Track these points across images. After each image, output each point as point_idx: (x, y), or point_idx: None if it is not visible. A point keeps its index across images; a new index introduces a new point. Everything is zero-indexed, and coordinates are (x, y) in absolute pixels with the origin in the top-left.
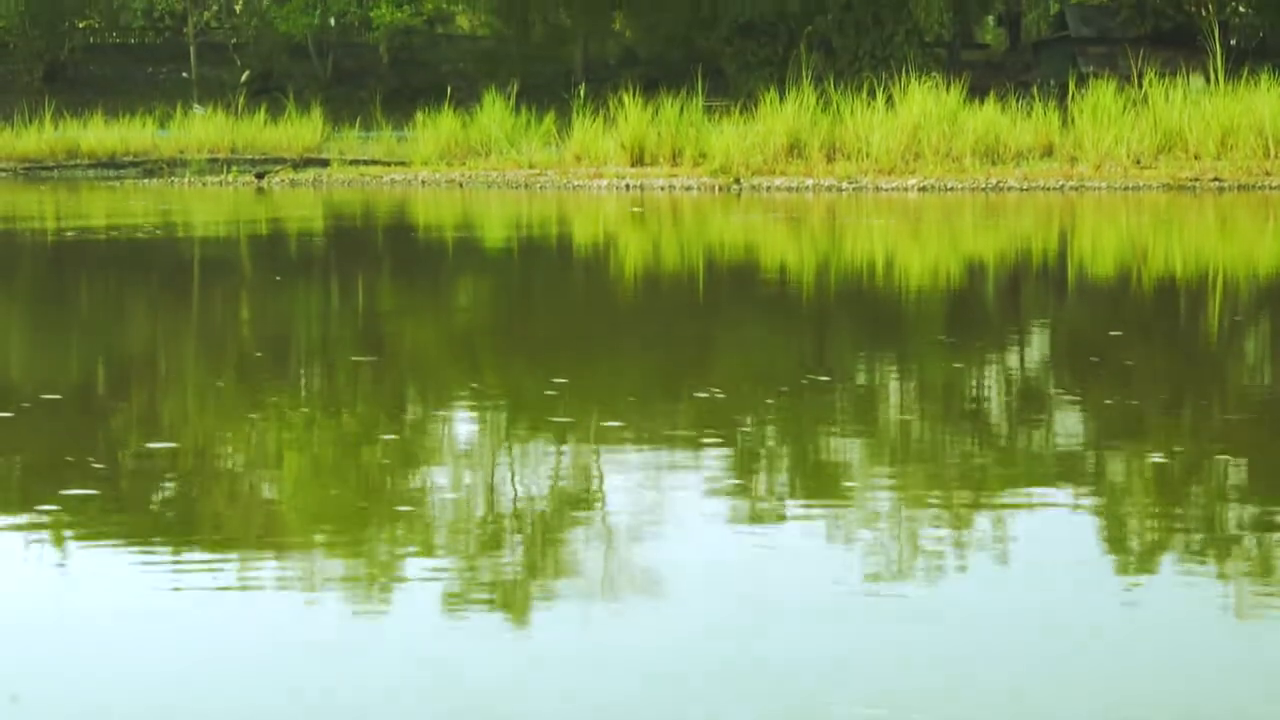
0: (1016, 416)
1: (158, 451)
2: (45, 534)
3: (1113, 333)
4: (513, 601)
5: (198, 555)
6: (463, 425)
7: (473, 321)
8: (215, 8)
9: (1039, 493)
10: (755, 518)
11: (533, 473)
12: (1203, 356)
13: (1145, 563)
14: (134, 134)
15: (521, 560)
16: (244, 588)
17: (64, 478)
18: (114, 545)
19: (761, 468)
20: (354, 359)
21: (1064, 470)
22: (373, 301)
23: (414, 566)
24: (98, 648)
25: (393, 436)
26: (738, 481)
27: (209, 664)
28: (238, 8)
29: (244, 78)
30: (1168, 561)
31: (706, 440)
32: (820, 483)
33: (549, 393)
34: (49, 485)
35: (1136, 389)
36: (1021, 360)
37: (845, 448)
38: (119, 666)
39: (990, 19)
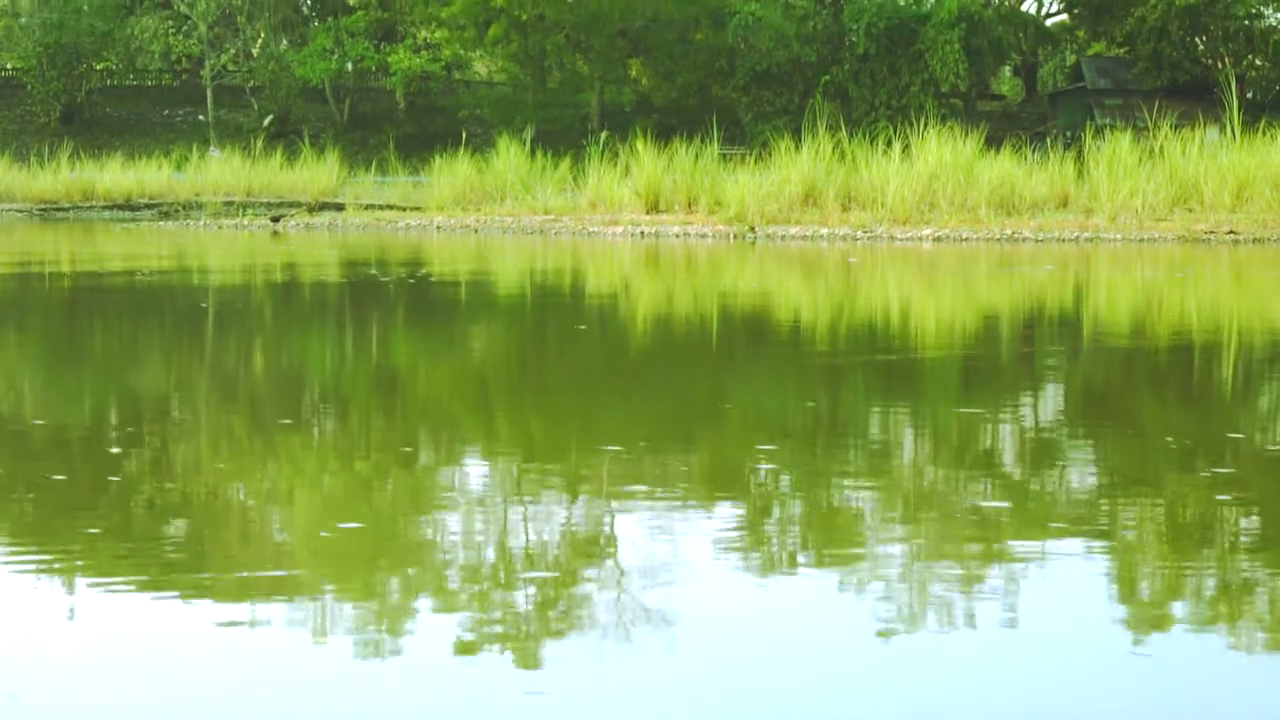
0: (1052, 475)
1: (186, 493)
2: (72, 571)
3: (1156, 396)
4: (523, 652)
5: (206, 597)
6: (489, 474)
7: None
8: (232, 51)
9: (1067, 549)
10: (770, 570)
11: (545, 521)
12: (1231, 414)
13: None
14: (150, 176)
15: (531, 611)
16: (249, 631)
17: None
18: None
19: (777, 520)
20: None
21: (1092, 527)
22: (407, 347)
23: (421, 615)
24: (101, 685)
25: (414, 481)
26: (758, 534)
27: (208, 706)
28: (255, 51)
29: (267, 122)
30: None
31: (738, 494)
32: (840, 536)
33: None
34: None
35: (1160, 445)
36: (1038, 419)
37: (879, 501)
38: (120, 706)
39: (1006, 70)
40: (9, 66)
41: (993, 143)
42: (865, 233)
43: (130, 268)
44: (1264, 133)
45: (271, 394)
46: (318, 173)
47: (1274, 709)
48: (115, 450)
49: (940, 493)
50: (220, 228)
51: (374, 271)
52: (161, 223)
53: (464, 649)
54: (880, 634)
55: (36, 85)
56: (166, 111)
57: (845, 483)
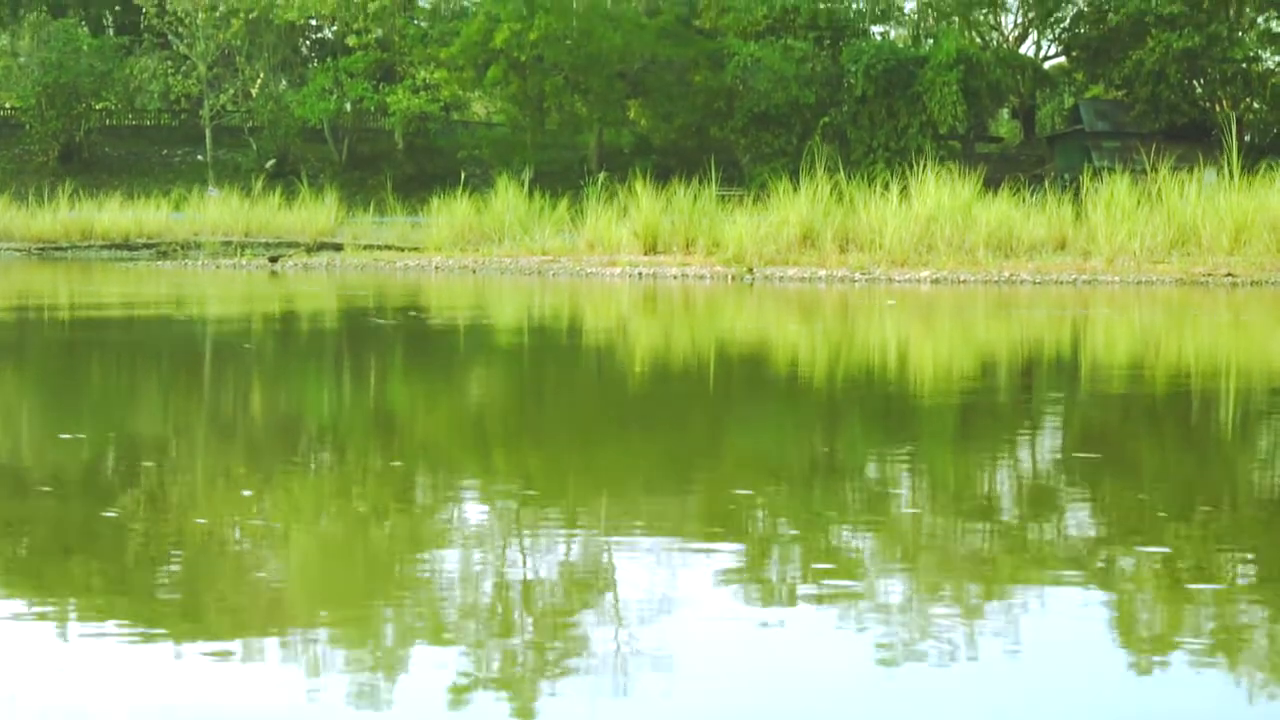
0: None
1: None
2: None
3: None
4: (519, 698)
5: (201, 639)
6: (492, 515)
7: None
8: (231, 91)
9: (1066, 593)
10: (768, 608)
11: (543, 561)
12: (1228, 458)
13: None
14: (148, 216)
15: (528, 651)
16: (241, 673)
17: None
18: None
19: (774, 558)
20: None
21: (1084, 568)
22: (411, 390)
23: (417, 655)
24: None
25: (410, 522)
26: (755, 573)
27: None
28: (254, 91)
29: (269, 165)
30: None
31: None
32: (834, 574)
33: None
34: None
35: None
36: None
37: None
38: None
39: (1004, 112)
40: (8, 106)
41: (991, 185)
42: (863, 274)
43: (129, 308)
44: (1262, 176)
45: (288, 436)
46: (316, 213)
47: None
48: (113, 490)
49: (958, 538)
50: (218, 268)
51: (374, 312)
52: (159, 262)
53: (459, 692)
54: (879, 680)
55: (35, 124)
56: (165, 151)
57: (868, 525)
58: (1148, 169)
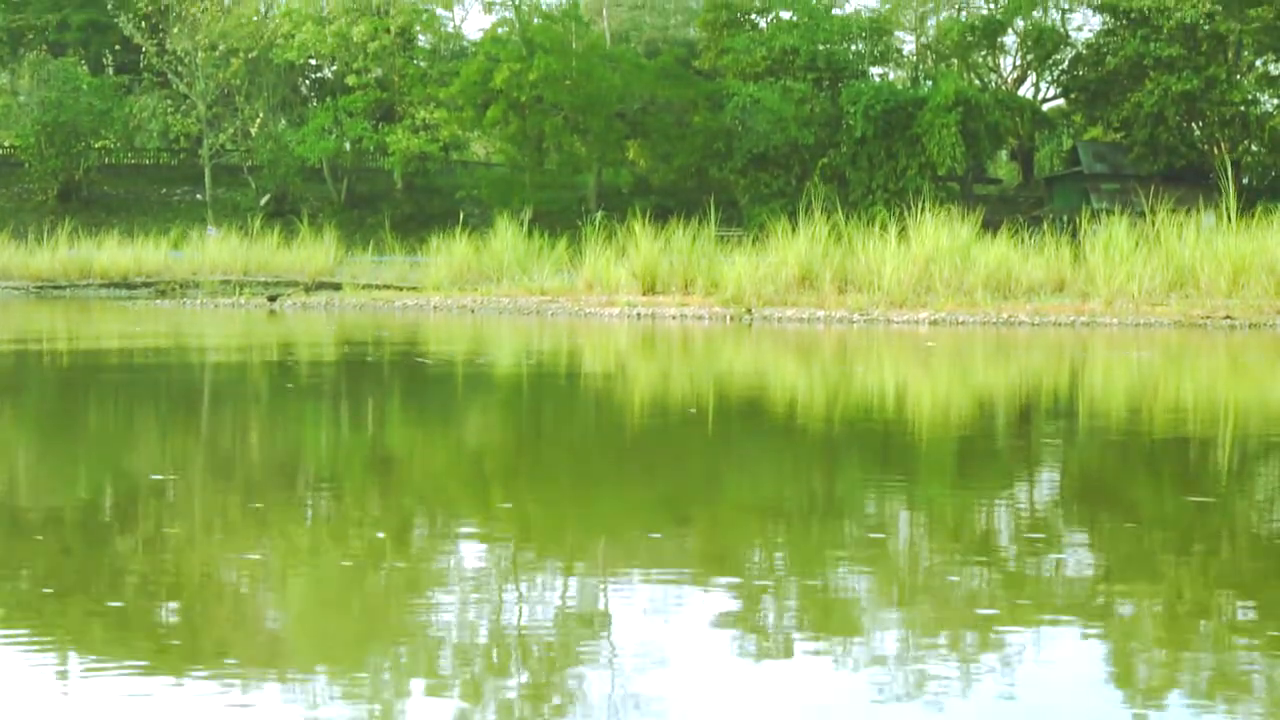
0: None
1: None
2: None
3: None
4: None
5: (201, 680)
6: (494, 558)
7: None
8: (231, 130)
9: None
10: (763, 653)
11: (543, 604)
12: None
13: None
14: (147, 255)
15: (524, 697)
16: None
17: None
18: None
19: (770, 602)
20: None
21: (1085, 614)
22: (409, 431)
23: (412, 700)
24: None
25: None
26: (750, 618)
27: None
28: (253, 131)
29: (264, 201)
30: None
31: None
32: (829, 619)
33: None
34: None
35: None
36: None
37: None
38: None
39: (1003, 154)
40: (7, 144)
41: (989, 226)
42: (862, 315)
43: (128, 345)
44: (1260, 218)
45: (292, 476)
46: (315, 252)
47: None
48: (112, 530)
49: (970, 583)
50: (217, 307)
51: (374, 352)
52: (158, 301)
53: None
54: None
55: (35, 163)
56: (164, 190)
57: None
58: (1146, 211)
